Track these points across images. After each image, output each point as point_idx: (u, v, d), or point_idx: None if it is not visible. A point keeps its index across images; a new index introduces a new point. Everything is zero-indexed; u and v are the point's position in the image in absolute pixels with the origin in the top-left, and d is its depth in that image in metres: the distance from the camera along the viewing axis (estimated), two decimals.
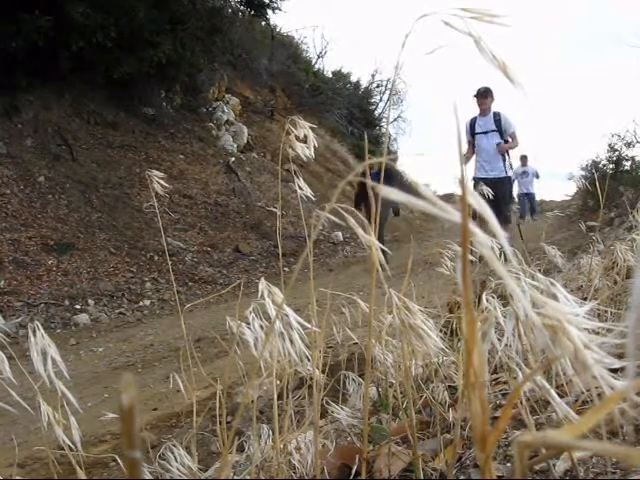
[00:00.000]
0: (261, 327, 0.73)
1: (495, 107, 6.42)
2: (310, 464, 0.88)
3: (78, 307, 5.83)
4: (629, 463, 0.23)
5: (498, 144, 6.22)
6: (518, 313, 0.52)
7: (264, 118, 13.54)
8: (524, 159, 12.60)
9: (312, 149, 0.96)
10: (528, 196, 12.78)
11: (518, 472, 0.31)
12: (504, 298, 0.58)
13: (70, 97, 9.19)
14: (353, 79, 20.03)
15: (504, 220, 5.87)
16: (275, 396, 0.83)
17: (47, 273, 6.25)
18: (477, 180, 5.86)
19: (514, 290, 0.36)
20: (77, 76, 8.95)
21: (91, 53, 8.49)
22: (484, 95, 6.27)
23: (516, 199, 11.81)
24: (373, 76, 20.07)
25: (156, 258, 7.24)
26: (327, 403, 1.03)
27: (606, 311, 1.05)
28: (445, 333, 1.22)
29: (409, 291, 1.02)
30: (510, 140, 6.39)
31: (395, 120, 19.85)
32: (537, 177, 13.01)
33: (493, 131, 6.28)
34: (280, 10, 12.20)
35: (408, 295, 0.75)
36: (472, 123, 6.35)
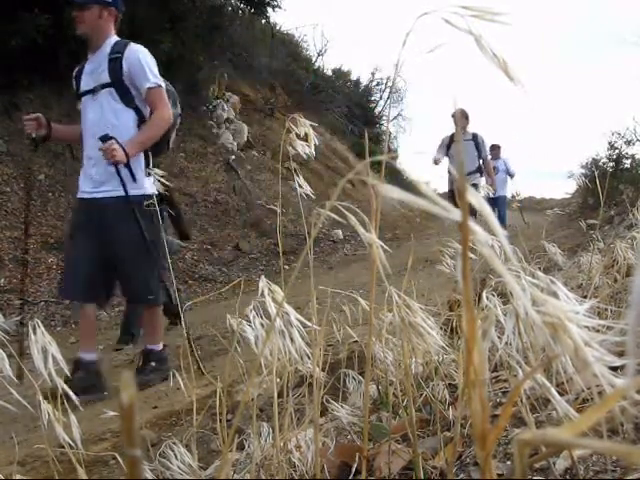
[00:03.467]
0: (261, 325, 0.73)
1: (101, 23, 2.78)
2: (310, 462, 0.88)
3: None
4: (629, 461, 0.23)
5: (104, 138, 2.62)
6: (518, 311, 0.52)
7: (264, 116, 13.52)
8: (496, 150, 8.86)
9: (312, 147, 0.96)
10: (496, 202, 8.31)
11: (518, 470, 0.31)
12: (504, 296, 0.58)
13: (70, 95, 9.17)
14: (353, 77, 20.02)
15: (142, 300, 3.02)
16: (275, 394, 0.83)
17: (47, 271, 6.26)
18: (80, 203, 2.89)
19: (514, 288, 0.36)
20: None
21: None
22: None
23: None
24: (373, 74, 20.06)
25: None
26: (327, 401, 1.03)
27: (606, 309, 1.05)
28: (445, 331, 1.22)
29: (409, 289, 1.02)
30: (141, 107, 2.80)
31: (395, 118, 19.87)
32: (511, 175, 9.30)
33: (106, 86, 2.75)
34: (280, 8, 12.19)
35: (408, 293, 0.75)
36: (78, 72, 2.93)
